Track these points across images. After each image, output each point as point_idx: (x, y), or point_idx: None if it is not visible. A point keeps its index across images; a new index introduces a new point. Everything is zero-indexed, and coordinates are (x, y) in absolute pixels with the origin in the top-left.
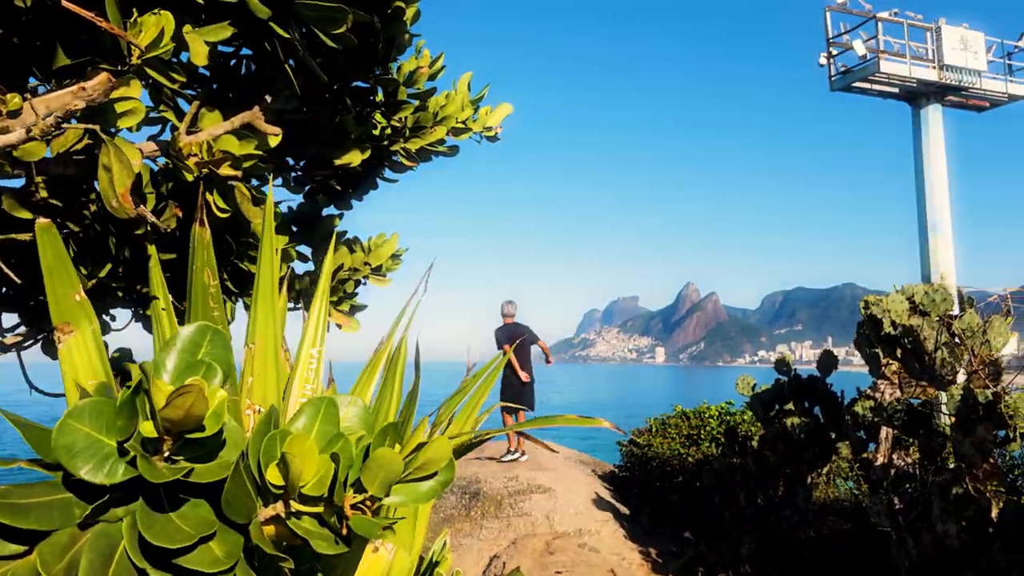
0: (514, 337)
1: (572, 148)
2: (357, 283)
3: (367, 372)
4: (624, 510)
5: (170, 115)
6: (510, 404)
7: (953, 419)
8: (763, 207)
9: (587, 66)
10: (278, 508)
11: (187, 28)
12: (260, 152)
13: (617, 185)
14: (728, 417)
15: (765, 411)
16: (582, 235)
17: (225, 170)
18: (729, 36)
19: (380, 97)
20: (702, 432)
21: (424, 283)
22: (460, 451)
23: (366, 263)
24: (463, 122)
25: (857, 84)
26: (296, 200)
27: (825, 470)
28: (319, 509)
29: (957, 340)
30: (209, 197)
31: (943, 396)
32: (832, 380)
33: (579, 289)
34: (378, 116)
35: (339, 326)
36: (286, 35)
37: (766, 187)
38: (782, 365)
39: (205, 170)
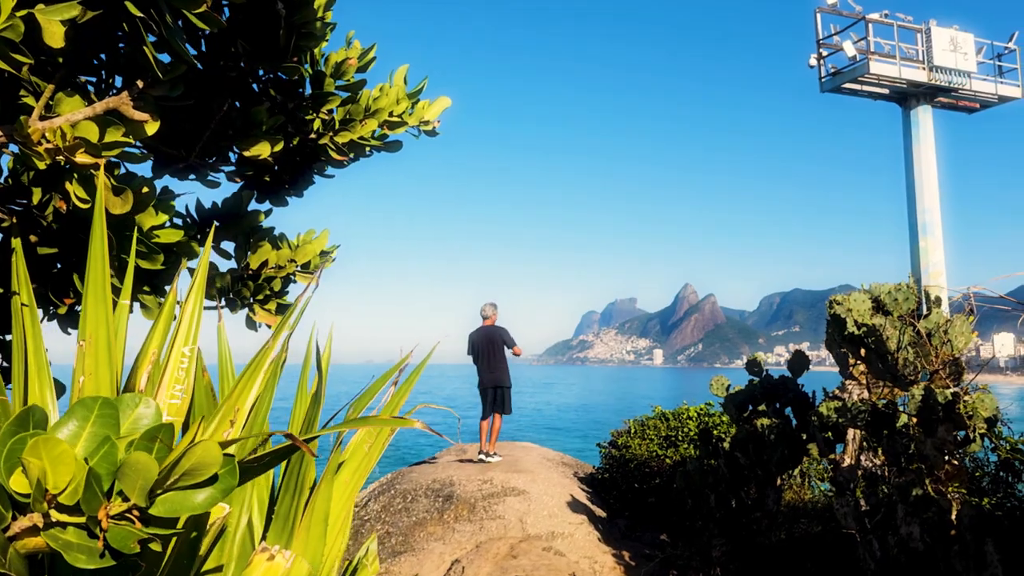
0: (486, 340)
1: (567, 150)
2: (286, 281)
3: (247, 374)
4: (601, 512)
5: (31, 100)
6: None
7: (915, 420)
8: (760, 209)
9: (581, 68)
10: (35, 518)
11: (39, 7)
12: (127, 140)
13: (614, 187)
14: (707, 418)
15: (739, 412)
16: (580, 237)
17: (81, 157)
18: (721, 37)
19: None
20: (680, 433)
21: (317, 280)
22: (268, 459)
23: (291, 260)
24: (399, 116)
25: (847, 85)
26: (213, 194)
27: (797, 471)
28: (82, 519)
29: (921, 340)
30: (69, 186)
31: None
32: (812, 380)
33: (577, 291)
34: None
35: (269, 326)
36: (139, 14)
37: (762, 189)
38: (753, 365)
39: (60, 158)
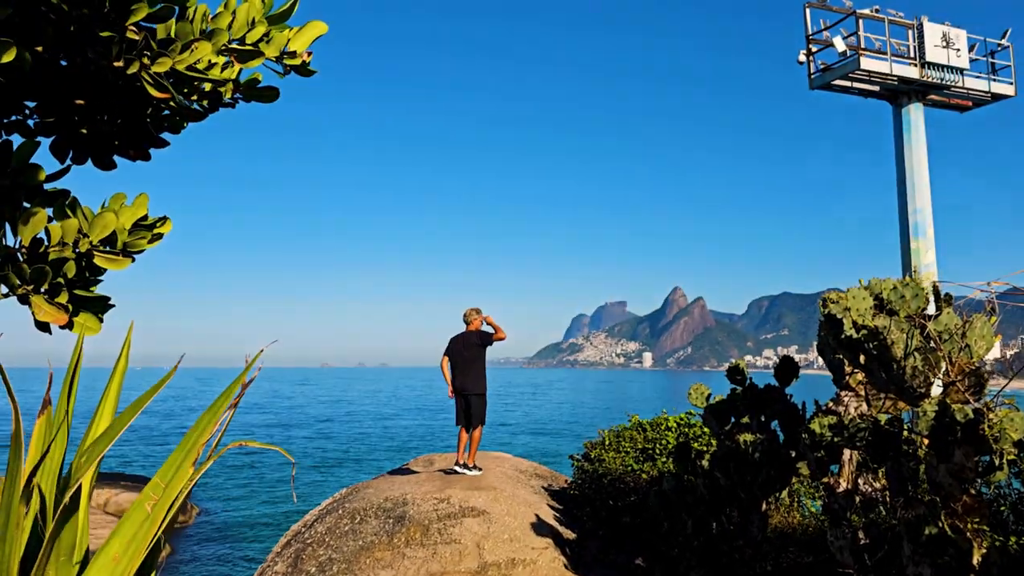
0: (463, 345)
1: (559, 152)
2: (88, 265)
3: None
4: (570, 534)
5: None
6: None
7: (926, 441)
8: (748, 211)
9: (567, 68)
10: None
11: None
12: None
13: (604, 190)
14: (687, 429)
15: (720, 424)
16: (570, 240)
17: None
18: (711, 34)
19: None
20: (657, 446)
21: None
22: None
23: (84, 235)
24: (253, 44)
25: (837, 82)
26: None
27: (785, 492)
28: None
29: (932, 345)
30: None
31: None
32: (801, 385)
33: (567, 294)
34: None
35: (67, 326)
36: None
37: (751, 191)
38: (735, 373)
39: None
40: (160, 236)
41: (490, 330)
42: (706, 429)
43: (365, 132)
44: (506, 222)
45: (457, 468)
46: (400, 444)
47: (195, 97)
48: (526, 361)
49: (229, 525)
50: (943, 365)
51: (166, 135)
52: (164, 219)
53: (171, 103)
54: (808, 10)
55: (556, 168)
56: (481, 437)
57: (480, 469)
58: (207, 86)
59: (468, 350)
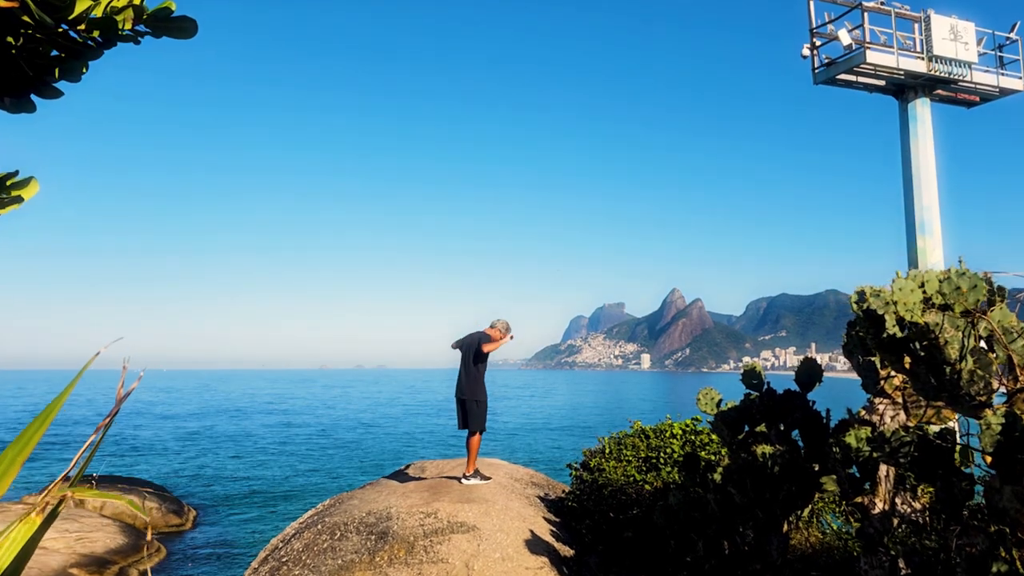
0: (467, 345)
1: (555, 153)
2: None
3: None
4: (567, 551)
5: None
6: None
7: (988, 458)
8: (746, 212)
9: (564, 69)
10: None
11: None
12: None
13: (601, 192)
14: (693, 436)
15: (732, 434)
16: (568, 242)
17: None
18: (707, 28)
19: None
20: (662, 455)
21: None
22: None
23: None
24: None
25: (842, 76)
26: None
27: (806, 509)
28: None
29: (984, 346)
30: None
31: (964, 422)
32: (817, 390)
33: (565, 296)
34: None
35: None
36: None
37: (748, 192)
38: (752, 376)
39: None
40: (19, 199)
41: (490, 341)
42: (714, 436)
43: (361, 132)
44: (504, 224)
45: (463, 480)
46: (397, 447)
47: (82, 27)
48: (524, 363)
49: (227, 530)
50: (995, 367)
51: (62, 84)
52: (15, 175)
53: (26, 19)
54: (812, 2)
55: (555, 169)
56: (479, 445)
57: (480, 478)
58: (97, 11)
59: (470, 351)
